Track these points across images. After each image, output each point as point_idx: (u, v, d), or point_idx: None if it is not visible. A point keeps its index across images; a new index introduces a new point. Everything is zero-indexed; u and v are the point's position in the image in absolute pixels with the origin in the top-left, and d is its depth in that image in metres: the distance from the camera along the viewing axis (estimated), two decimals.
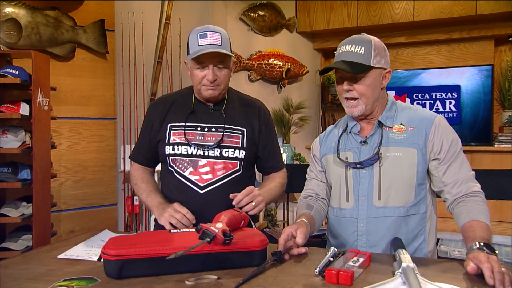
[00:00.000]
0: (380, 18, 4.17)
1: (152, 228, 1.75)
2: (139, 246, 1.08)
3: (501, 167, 3.65)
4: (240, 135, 1.62)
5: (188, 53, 1.55)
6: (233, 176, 1.58)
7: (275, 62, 4.14)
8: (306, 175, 1.65)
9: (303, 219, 1.36)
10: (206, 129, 1.60)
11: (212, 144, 1.57)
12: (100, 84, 3.46)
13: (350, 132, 1.49)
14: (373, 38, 1.43)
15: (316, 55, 4.73)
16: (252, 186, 1.50)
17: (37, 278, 1.10)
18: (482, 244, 1.09)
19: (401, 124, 1.41)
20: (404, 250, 1.14)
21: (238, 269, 1.13)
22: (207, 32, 1.51)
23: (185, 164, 1.57)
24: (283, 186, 1.68)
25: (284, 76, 4.18)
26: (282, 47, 4.30)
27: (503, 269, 0.98)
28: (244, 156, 1.60)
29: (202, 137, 1.59)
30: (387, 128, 1.42)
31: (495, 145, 3.96)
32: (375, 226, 1.38)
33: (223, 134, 1.58)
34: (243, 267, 1.13)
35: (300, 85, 4.51)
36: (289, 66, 4.17)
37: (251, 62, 4.08)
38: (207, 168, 1.56)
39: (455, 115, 4.25)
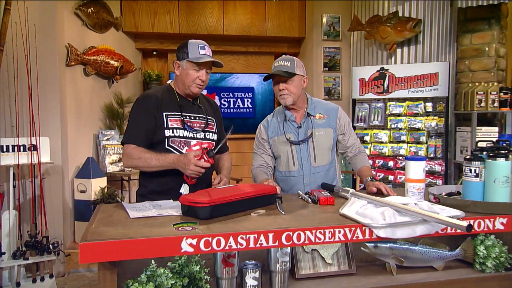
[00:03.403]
0: (198, 28, 4.98)
1: None
2: (220, 195, 1.58)
3: None
4: (213, 123, 2.19)
5: (187, 57, 2.01)
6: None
7: (109, 58, 4.35)
8: (254, 151, 2.39)
9: (270, 180, 2.10)
10: (193, 118, 2.10)
11: (200, 129, 2.08)
12: None
13: (288, 120, 2.29)
14: (295, 58, 2.28)
15: (138, 54, 5.12)
16: (225, 179, 2.08)
17: (151, 226, 1.45)
18: (372, 177, 2.10)
19: (320, 113, 2.31)
20: (339, 186, 2.04)
21: (266, 206, 1.77)
22: (205, 46, 2.05)
23: (182, 144, 2.03)
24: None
25: (118, 72, 4.44)
26: (110, 44, 4.53)
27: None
28: (216, 138, 2.17)
29: (191, 124, 2.08)
30: (312, 117, 2.29)
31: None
32: (314, 179, 2.26)
33: (206, 122, 2.11)
34: (269, 204, 1.78)
35: (126, 81, 4.83)
36: (122, 63, 4.46)
37: (87, 57, 4.16)
38: (197, 147, 2.07)
39: (251, 111, 5.50)
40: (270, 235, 1.42)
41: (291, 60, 2.23)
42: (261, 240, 1.41)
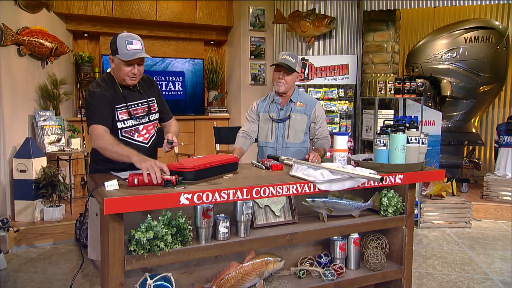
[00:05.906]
0: (131, 13, 5.14)
1: None
2: (201, 162, 2.00)
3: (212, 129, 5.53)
4: (154, 103, 2.44)
5: (117, 53, 2.18)
6: (157, 131, 2.48)
7: (43, 39, 4.37)
8: (246, 118, 2.91)
9: (236, 154, 2.59)
10: (136, 105, 2.35)
11: (144, 113, 2.37)
12: None
13: (275, 102, 2.82)
14: (298, 56, 2.79)
15: (69, 35, 5.13)
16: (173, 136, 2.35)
17: (149, 188, 1.82)
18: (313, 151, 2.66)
19: (300, 102, 2.84)
20: (283, 157, 2.56)
21: (232, 172, 2.23)
22: (133, 40, 2.19)
23: (132, 132, 2.33)
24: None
25: (52, 53, 4.47)
26: (42, 25, 4.52)
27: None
28: (158, 116, 2.47)
29: (136, 112, 2.34)
30: (294, 103, 2.82)
31: (209, 115, 5.84)
32: (285, 152, 2.78)
33: (148, 105, 2.39)
34: (233, 170, 2.25)
35: (58, 63, 4.85)
36: (57, 45, 4.50)
37: (22, 37, 4.15)
38: (144, 131, 2.39)
39: (181, 94, 5.83)
40: (244, 190, 1.90)
41: (295, 58, 2.76)
42: (238, 194, 1.89)
